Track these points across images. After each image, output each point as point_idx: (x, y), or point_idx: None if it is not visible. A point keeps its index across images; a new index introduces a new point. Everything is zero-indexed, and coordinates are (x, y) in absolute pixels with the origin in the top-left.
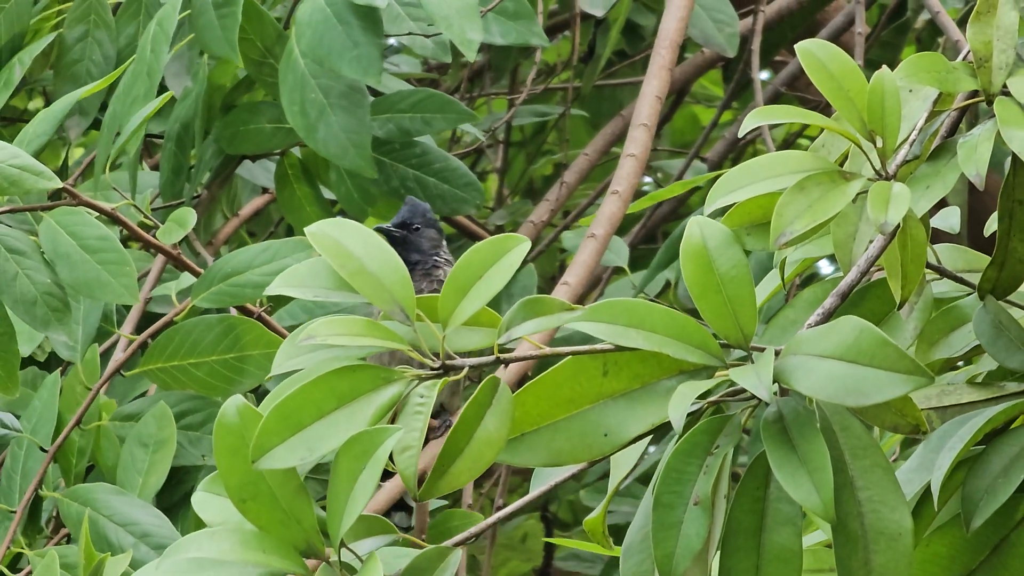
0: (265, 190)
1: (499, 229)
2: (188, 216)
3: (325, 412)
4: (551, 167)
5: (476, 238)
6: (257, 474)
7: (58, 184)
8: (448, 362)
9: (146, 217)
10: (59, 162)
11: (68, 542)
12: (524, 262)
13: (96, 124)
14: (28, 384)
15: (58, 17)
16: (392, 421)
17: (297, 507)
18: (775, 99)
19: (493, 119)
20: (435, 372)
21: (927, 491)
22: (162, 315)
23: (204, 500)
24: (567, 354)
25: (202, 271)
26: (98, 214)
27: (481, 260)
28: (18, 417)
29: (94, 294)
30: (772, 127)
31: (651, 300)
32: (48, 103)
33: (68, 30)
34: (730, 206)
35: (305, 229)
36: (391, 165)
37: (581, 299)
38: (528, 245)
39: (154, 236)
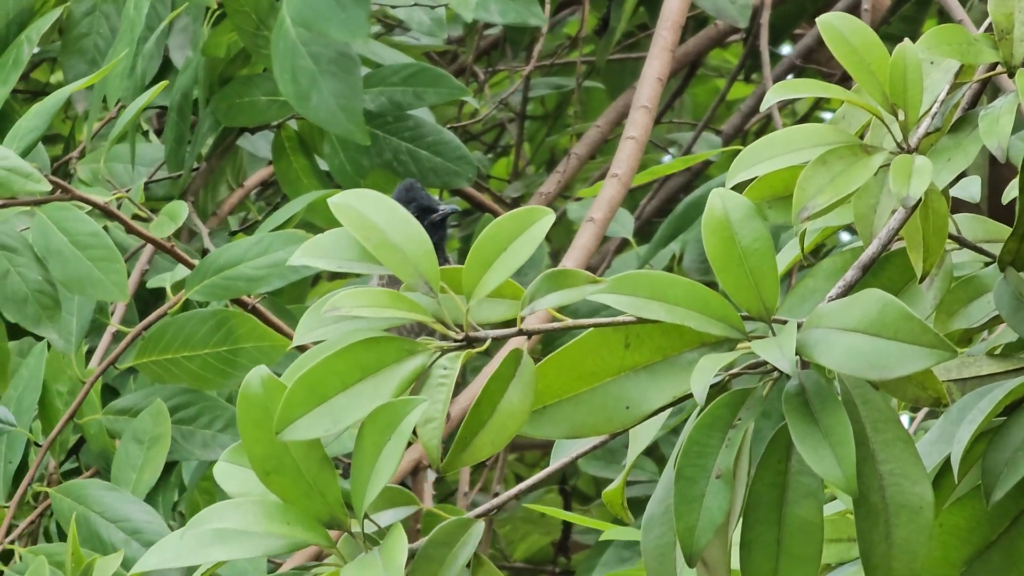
0: (271, 161)
1: (515, 201)
2: (180, 209)
3: (349, 383)
4: (568, 139)
5: (491, 211)
6: (281, 446)
7: (47, 187)
8: (472, 334)
9: (140, 209)
10: (66, 132)
11: (52, 520)
12: None
13: None
14: (20, 353)
15: None
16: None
17: (321, 479)
18: (791, 72)
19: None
20: (458, 344)
21: (947, 463)
22: (150, 306)
23: (227, 471)
24: (589, 326)
25: (195, 263)
26: (91, 208)
27: (505, 232)
28: None
29: (85, 291)
30: (785, 103)
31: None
32: (66, 77)
33: (75, 3)
34: (752, 180)
35: (328, 200)
36: (384, 138)
37: None
38: (553, 217)
39: (147, 229)
